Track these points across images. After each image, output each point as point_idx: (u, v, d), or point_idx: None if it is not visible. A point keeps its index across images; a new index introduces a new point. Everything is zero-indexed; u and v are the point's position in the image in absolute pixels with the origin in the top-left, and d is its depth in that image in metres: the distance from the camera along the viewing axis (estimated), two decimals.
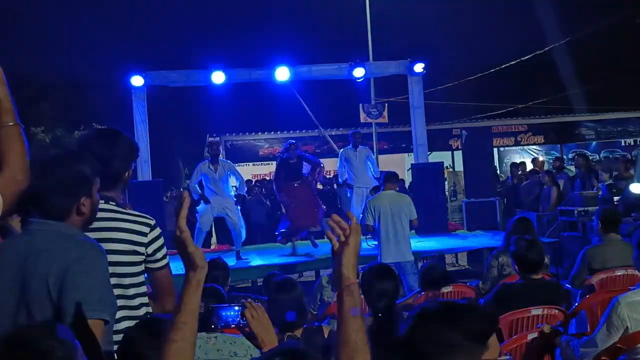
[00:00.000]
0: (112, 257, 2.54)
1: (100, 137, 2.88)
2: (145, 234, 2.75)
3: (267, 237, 12.76)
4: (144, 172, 11.11)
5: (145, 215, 2.83)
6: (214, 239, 12.51)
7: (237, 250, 9.70)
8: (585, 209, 9.44)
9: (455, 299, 4.99)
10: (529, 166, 15.30)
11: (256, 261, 9.57)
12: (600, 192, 9.68)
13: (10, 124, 2.20)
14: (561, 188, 11.35)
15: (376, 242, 9.12)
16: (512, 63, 21.78)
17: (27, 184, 2.20)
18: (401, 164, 19.45)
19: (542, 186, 11.75)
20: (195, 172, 9.74)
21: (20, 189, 2.19)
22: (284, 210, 10.14)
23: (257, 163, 20.36)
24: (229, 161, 10.31)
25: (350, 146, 10.68)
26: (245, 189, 9.95)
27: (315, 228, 9.86)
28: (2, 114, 2.20)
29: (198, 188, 9.56)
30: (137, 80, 11.06)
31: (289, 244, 10.04)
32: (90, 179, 2.35)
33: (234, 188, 9.84)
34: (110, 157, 2.69)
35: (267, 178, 17.20)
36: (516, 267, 4.50)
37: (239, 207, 9.77)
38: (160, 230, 2.84)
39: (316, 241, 9.92)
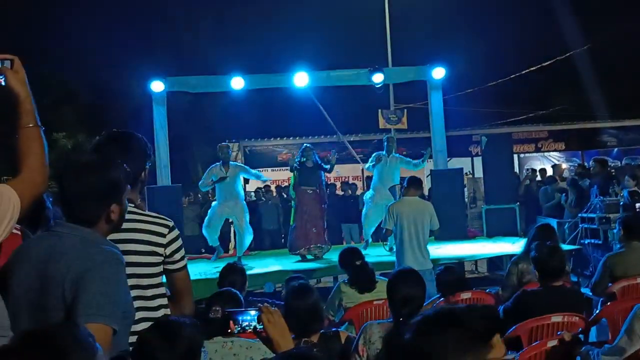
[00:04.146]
0: (131, 258, 2.56)
1: (114, 140, 2.90)
2: (163, 235, 2.77)
3: (282, 242, 12.78)
4: (164, 177, 11.16)
5: (163, 216, 2.84)
6: (232, 244, 12.53)
7: (238, 257, 9.75)
8: (607, 215, 9.35)
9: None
10: (549, 172, 15.17)
11: (274, 266, 9.58)
12: (622, 199, 9.56)
13: (31, 125, 2.21)
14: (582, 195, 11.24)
15: (392, 248, 9.12)
16: (532, 69, 21.62)
17: (45, 187, 2.21)
18: (420, 170, 19.36)
19: (561, 192, 11.66)
20: (206, 173, 9.82)
21: (39, 192, 2.20)
22: (291, 222, 10.16)
23: (276, 168, 20.39)
24: (240, 163, 10.37)
25: (384, 152, 10.59)
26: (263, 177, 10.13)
27: (317, 245, 9.87)
28: (23, 115, 2.21)
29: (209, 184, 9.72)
30: (157, 86, 11.14)
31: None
32: (122, 186, 2.37)
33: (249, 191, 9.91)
34: (125, 159, 2.70)
35: (285, 184, 17.21)
36: (537, 274, 4.45)
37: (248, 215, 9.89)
38: (179, 232, 2.85)
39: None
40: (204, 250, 12.44)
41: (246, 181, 10.84)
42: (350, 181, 16.53)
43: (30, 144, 2.19)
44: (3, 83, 2.19)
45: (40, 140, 2.22)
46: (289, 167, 10.29)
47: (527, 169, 15.33)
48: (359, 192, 15.13)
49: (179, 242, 2.82)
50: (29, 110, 2.21)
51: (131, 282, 2.45)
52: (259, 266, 9.55)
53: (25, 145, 2.19)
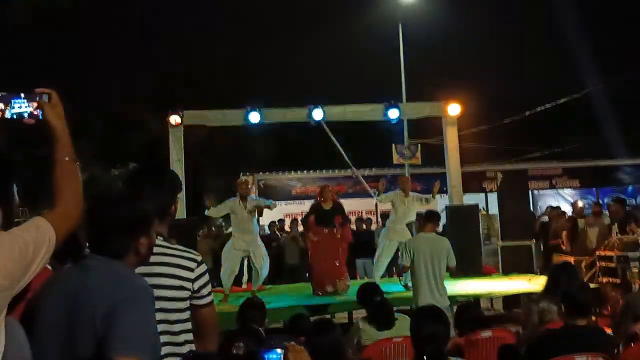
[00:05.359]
0: (160, 292, 2.54)
1: (145, 172, 2.93)
2: (192, 270, 2.75)
3: (300, 276, 12.71)
4: (179, 210, 11.14)
5: (191, 250, 2.83)
6: (245, 278, 12.48)
7: (252, 291, 9.70)
8: (625, 254, 9.25)
9: None
10: (566, 209, 15.11)
11: (288, 301, 9.53)
12: None
13: (67, 159, 2.23)
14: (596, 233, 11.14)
15: (408, 284, 9.06)
16: (547, 106, 21.63)
17: (80, 222, 2.22)
18: (434, 206, 19.29)
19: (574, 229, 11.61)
20: (222, 204, 9.79)
21: (74, 226, 2.20)
22: (309, 260, 10.20)
23: (290, 202, 20.41)
24: (256, 198, 10.38)
25: (399, 190, 10.57)
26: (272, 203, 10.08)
27: (334, 286, 9.85)
28: (59, 148, 2.22)
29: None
30: (174, 119, 11.23)
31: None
32: (151, 218, 2.37)
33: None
34: (157, 193, 2.71)
35: (300, 217, 17.20)
36: (563, 310, 4.38)
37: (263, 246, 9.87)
38: (206, 267, 2.84)
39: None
40: (216, 284, 12.39)
41: (260, 213, 10.83)
42: (364, 216, 16.48)
43: (66, 178, 2.20)
44: (40, 117, 2.21)
45: (76, 174, 2.23)
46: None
47: (547, 207, 15.28)
48: (373, 226, 15.07)
49: (206, 277, 2.81)
50: (65, 144, 2.24)
51: (159, 316, 2.44)
52: (273, 301, 9.48)
53: (61, 179, 2.20)
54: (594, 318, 8.51)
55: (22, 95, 2.23)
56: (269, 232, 15.43)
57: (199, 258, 2.81)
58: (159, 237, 2.74)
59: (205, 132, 17.69)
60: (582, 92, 21.71)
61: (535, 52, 25.19)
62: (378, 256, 10.57)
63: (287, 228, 15.49)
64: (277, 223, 15.93)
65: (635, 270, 7.91)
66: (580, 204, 13.40)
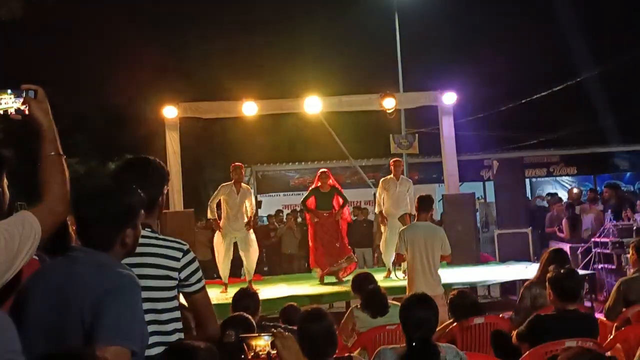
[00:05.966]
0: (146, 282, 2.59)
1: (132, 166, 2.97)
2: (178, 259, 2.80)
3: (297, 266, 12.77)
4: (176, 202, 11.20)
5: (178, 240, 2.87)
6: (244, 269, 12.55)
7: (249, 281, 9.75)
8: (620, 240, 9.30)
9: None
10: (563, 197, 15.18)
11: (285, 291, 9.58)
12: (635, 224, 9.52)
13: (53, 153, 2.26)
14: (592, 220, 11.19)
15: (404, 274, 9.11)
16: (543, 93, 21.62)
17: (66, 215, 2.26)
18: (432, 195, 19.32)
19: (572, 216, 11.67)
20: (216, 192, 9.81)
21: (61, 220, 2.24)
22: (310, 243, 10.26)
23: (288, 193, 20.44)
24: (250, 188, 10.39)
25: (392, 175, 10.56)
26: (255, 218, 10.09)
27: (338, 265, 9.92)
28: (46, 143, 2.26)
29: (215, 209, 9.68)
30: (170, 112, 11.23)
31: (315, 273, 10.21)
32: (136, 210, 2.41)
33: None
34: (144, 185, 2.74)
35: (299, 208, 17.25)
36: (552, 296, 4.43)
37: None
38: (194, 255, 2.88)
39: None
40: (215, 275, 12.45)
41: (258, 205, 10.86)
42: (362, 205, 16.53)
43: (52, 173, 2.24)
44: (27, 112, 2.25)
45: (62, 168, 2.27)
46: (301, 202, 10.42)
47: (547, 194, 15.34)
48: (371, 216, 15.11)
49: (195, 264, 2.85)
50: (51, 139, 2.27)
51: (146, 306, 2.48)
52: (271, 291, 9.55)
53: (47, 174, 2.23)
54: (589, 303, 8.65)
55: (9, 91, 2.26)
56: (267, 223, 15.48)
57: (185, 247, 2.85)
58: (146, 229, 2.79)
59: (201, 124, 17.67)
60: (578, 79, 21.72)
61: (531, 39, 25.12)
62: (384, 243, 10.52)
63: (285, 219, 15.55)
64: (276, 214, 16.00)
65: (630, 256, 7.95)
66: (575, 190, 13.44)
